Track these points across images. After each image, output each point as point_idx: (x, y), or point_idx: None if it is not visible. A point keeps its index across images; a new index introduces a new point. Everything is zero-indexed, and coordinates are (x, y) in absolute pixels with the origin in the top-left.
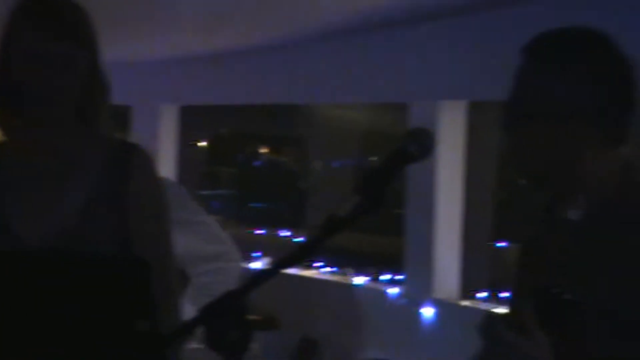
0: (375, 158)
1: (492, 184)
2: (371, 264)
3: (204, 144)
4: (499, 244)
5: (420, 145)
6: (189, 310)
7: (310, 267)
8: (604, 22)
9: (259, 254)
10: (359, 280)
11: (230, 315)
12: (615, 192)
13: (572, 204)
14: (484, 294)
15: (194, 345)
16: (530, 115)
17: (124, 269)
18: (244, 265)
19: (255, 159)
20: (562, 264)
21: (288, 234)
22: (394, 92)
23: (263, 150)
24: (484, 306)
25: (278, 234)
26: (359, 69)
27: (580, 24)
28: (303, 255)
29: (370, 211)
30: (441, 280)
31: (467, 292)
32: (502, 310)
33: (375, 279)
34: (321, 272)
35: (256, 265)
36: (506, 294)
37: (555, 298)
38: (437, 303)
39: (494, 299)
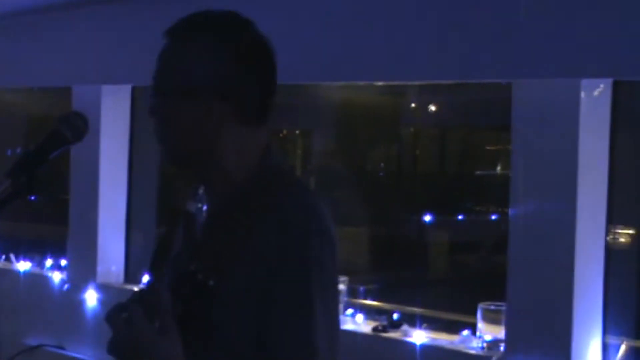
0: None
1: (158, 167)
2: (35, 250)
3: None
4: None
5: (73, 128)
6: None
7: None
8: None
9: None
10: (23, 266)
11: None
12: (253, 176)
13: (213, 187)
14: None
15: None
16: (166, 94)
17: None
18: None
19: None
20: (205, 249)
21: None
22: (57, 76)
23: None
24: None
25: None
26: (21, 53)
27: (228, 7)
28: None
29: (21, 194)
30: (105, 265)
31: (133, 276)
32: (138, 293)
33: (39, 265)
34: None
35: None
36: None
37: (199, 283)
38: (100, 287)
39: None
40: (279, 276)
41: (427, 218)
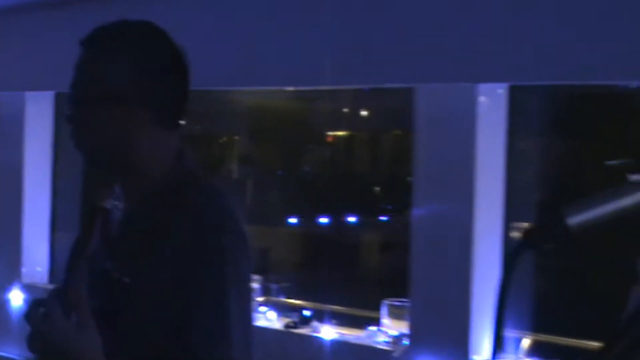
0: None
1: (82, 170)
2: None
3: None
4: None
5: None
6: None
7: None
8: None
9: None
10: None
11: None
12: (168, 178)
13: (130, 188)
14: None
15: None
16: (85, 100)
17: None
18: None
19: None
20: (122, 248)
21: None
22: None
23: None
24: None
25: None
26: None
27: (146, 18)
28: None
29: None
30: (30, 265)
31: (57, 276)
32: (55, 290)
33: None
34: None
35: None
36: None
37: (115, 281)
38: (26, 288)
39: None
40: (195, 274)
41: (350, 219)
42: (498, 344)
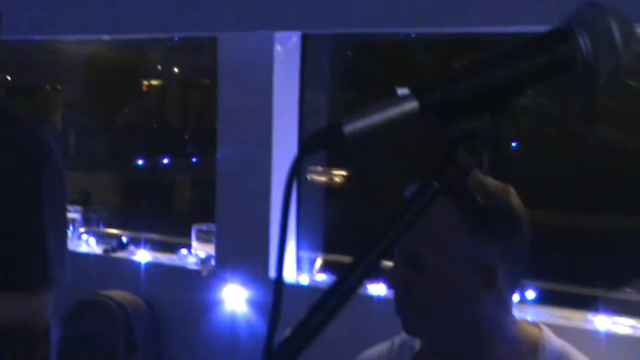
0: None
1: None
2: None
3: None
4: None
5: None
6: None
7: None
8: None
9: None
10: None
11: None
12: None
13: None
14: None
15: None
16: None
17: None
18: None
19: None
20: None
21: None
22: None
23: None
24: None
25: None
26: None
27: None
28: None
29: None
30: None
31: None
32: None
33: None
34: None
35: None
36: None
37: None
38: None
39: None
40: (15, 205)
41: (164, 162)
42: (282, 257)
